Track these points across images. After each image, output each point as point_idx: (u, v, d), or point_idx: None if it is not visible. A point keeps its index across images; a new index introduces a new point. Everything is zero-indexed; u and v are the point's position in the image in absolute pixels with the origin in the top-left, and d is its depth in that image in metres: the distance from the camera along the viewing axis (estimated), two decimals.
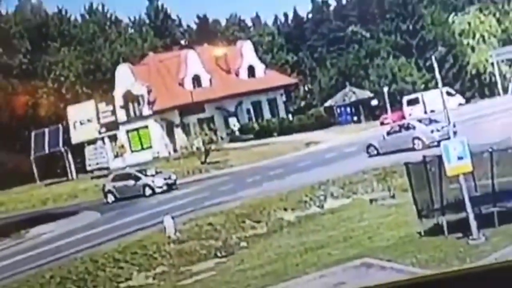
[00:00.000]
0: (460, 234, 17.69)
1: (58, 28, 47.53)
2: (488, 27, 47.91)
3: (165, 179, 33.83)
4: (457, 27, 48.13)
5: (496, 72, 45.82)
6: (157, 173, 34.57)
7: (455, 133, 28.03)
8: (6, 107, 40.98)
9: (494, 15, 48.22)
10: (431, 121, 32.75)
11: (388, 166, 26.81)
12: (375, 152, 32.02)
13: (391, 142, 31.75)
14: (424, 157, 18.85)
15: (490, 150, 18.29)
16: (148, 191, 33.49)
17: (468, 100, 45.17)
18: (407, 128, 32.77)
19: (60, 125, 42.29)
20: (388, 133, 32.85)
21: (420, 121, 33.33)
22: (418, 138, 31.37)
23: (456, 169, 17.13)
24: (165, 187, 33.38)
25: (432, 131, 31.16)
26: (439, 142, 27.74)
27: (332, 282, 16.29)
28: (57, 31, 47.35)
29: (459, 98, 43.82)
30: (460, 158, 17.00)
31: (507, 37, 47.32)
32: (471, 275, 3.14)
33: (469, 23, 48.12)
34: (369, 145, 32.60)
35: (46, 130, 42.09)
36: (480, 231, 17.35)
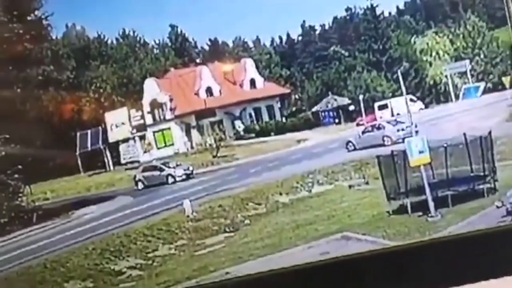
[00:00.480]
0: (420, 213, 17.71)
1: (98, 50, 47.44)
2: (442, 46, 47.78)
3: (184, 170, 33.80)
4: (418, 46, 48.01)
5: (450, 83, 45.76)
6: (177, 165, 34.52)
7: (416, 132, 27.95)
8: (56, 114, 40.97)
9: (448, 36, 48.09)
10: (397, 122, 32.69)
11: (363, 159, 26.75)
12: (353, 147, 31.97)
13: (365, 139, 31.69)
14: (392, 151, 18.85)
15: (445, 145, 18.27)
16: (170, 180, 33.43)
17: (427, 105, 45.09)
18: (378, 128, 32.68)
19: (100, 127, 42.25)
20: (363, 132, 32.78)
21: (388, 122, 33.30)
22: (387, 136, 31.32)
23: (417, 161, 17.16)
24: (184, 177, 33.32)
25: (398, 130, 31.09)
26: (403, 139, 27.91)
27: (318, 252, 16.29)
28: (97, 52, 47.27)
29: (420, 104, 43.70)
30: (421, 152, 17.03)
31: (458, 54, 47.21)
32: (429, 245, 3.13)
33: (427, 44, 47.98)
34: (348, 142, 32.50)
35: (89, 131, 42.06)
36: (437, 210, 17.34)
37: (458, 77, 47.11)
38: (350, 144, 33.27)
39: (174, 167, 35.47)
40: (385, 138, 31.96)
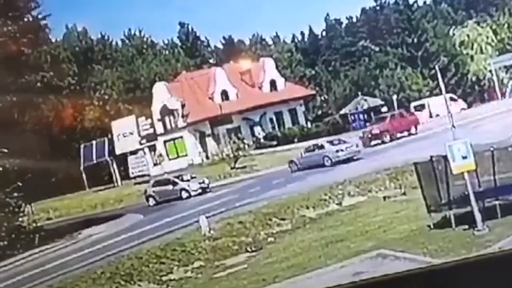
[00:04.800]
0: (466, 226, 17.51)
1: (102, 52, 48.03)
2: (485, 38, 47.47)
3: (199, 183, 33.95)
4: (457, 39, 47.75)
5: (495, 78, 45.35)
6: (192, 178, 34.69)
7: (358, 153, 29.44)
8: (57, 124, 41.42)
9: (491, 27, 47.77)
10: (339, 142, 33.45)
11: (399, 166, 26.61)
12: (296, 167, 32.48)
13: (307, 159, 32.46)
14: (431, 157, 18.70)
15: (491, 149, 18.10)
16: (184, 195, 33.62)
17: (469, 105, 44.75)
18: (319, 147, 33.27)
19: (105, 138, 42.65)
20: (306, 151, 33.51)
21: (329, 142, 33.88)
22: (327, 156, 32.01)
23: (460, 167, 16.98)
24: (199, 191, 33.50)
25: (337, 151, 32.07)
26: (344, 160, 30.71)
27: (351, 271, 16.19)
28: (101, 54, 47.86)
29: (462, 103, 43.42)
30: (464, 157, 16.84)
31: (503, 46, 46.85)
32: (477, 263, 3.12)
33: (468, 35, 47.71)
34: (291, 161, 33.05)
35: (94, 142, 42.47)
36: (484, 223, 17.17)
37: (504, 71, 46.85)
38: (293, 163, 33.39)
39: (188, 180, 35.59)
40: (325, 158, 32.48)
